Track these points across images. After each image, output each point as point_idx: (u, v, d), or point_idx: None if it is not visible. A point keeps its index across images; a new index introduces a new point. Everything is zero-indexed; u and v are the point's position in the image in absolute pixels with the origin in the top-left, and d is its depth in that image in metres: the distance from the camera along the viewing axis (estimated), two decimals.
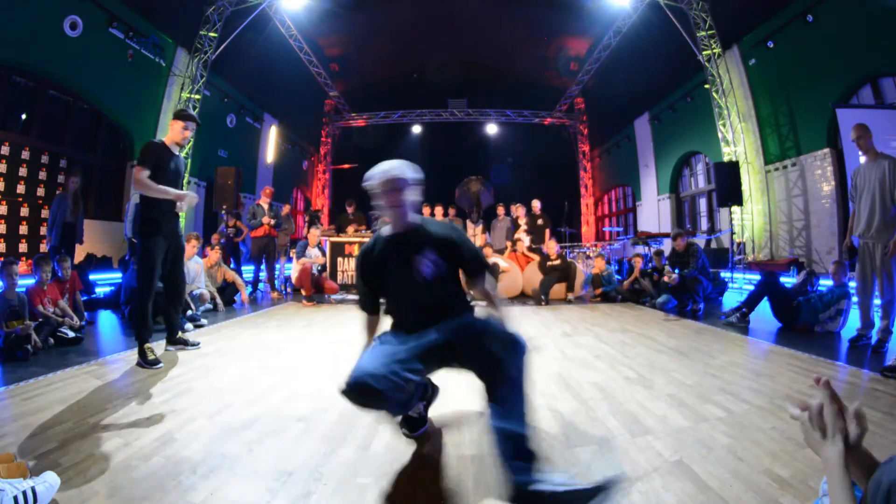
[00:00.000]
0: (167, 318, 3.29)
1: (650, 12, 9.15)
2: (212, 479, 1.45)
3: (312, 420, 1.96)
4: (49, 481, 1.31)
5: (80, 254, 6.85)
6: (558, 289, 6.22)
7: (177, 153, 3.17)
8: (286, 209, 7.68)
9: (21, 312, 3.22)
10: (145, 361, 2.88)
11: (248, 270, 7.50)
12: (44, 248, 6.21)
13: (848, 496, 0.70)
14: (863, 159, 3.49)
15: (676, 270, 5.27)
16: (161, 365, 2.90)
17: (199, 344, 3.38)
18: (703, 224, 11.12)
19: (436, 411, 2.05)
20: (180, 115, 3.17)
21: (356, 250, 6.92)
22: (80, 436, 1.75)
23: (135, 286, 4.21)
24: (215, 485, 1.42)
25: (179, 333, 3.40)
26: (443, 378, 1.82)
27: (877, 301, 3.43)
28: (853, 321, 3.65)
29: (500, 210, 8.13)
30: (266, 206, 6.78)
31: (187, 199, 3.02)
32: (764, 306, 4.19)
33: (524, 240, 7.13)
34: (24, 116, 6.72)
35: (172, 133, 3.14)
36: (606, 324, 4.46)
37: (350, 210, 7.96)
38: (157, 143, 3.10)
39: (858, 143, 3.43)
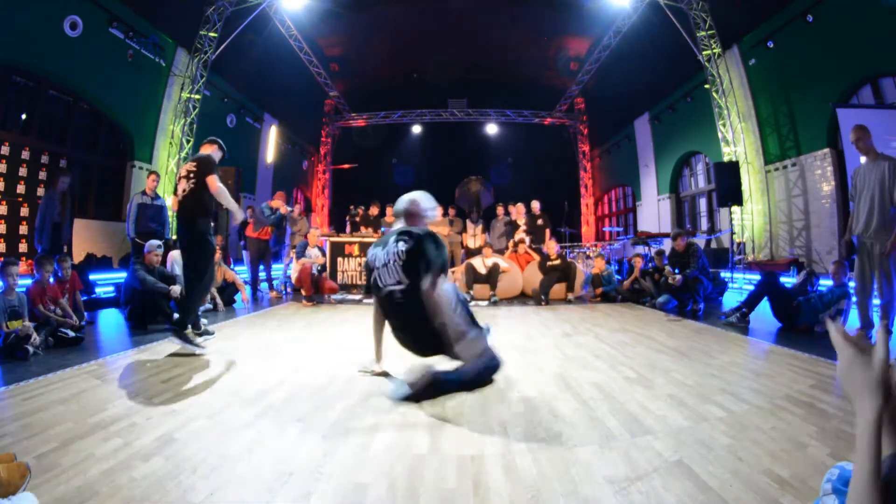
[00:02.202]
0: (194, 308, 3.49)
1: (650, 12, 9.15)
2: (212, 479, 1.45)
3: (312, 420, 1.96)
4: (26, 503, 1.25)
5: (80, 254, 6.85)
6: (558, 289, 6.21)
7: None
8: (297, 210, 7.68)
9: (21, 312, 3.22)
10: (190, 342, 3.17)
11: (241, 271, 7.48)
12: None
13: (875, 455, 0.63)
14: (863, 160, 3.50)
15: (676, 271, 5.27)
16: (205, 348, 3.23)
17: (213, 332, 3.74)
18: (703, 224, 11.11)
19: (436, 411, 2.05)
20: (220, 145, 3.57)
21: (356, 250, 6.92)
22: (80, 436, 1.75)
23: (136, 286, 4.23)
24: (215, 485, 1.42)
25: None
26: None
27: (876, 301, 3.43)
28: (853, 321, 3.65)
29: (500, 210, 8.12)
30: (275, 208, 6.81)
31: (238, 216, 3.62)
32: (764, 306, 4.19)
33: (525, 240, 7.13)
34: (24, 116, 6.71)
35: (215, 156, 3.50)
36: (606, 324, 4.46)
37: (374, 211, 7.82)
38: None
39: (858, 146, 3.43)
